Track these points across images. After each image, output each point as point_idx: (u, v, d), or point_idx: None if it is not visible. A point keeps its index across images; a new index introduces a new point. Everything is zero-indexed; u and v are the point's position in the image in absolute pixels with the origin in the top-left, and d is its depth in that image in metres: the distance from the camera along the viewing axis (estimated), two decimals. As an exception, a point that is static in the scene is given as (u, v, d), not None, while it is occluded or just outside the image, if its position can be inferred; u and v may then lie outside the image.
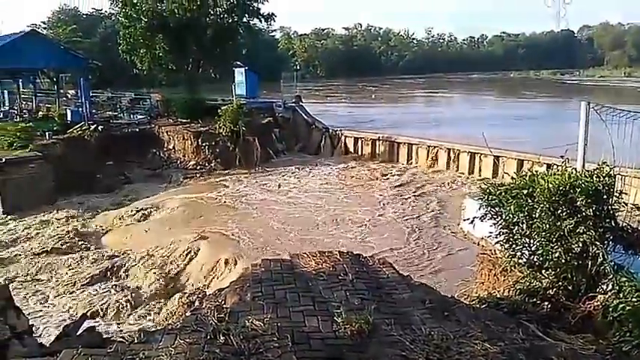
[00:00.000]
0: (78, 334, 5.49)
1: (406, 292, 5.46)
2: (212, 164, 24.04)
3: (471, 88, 71.67)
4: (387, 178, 21.08)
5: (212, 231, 14.88)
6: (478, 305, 6.23)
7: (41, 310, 11.11)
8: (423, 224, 15.21)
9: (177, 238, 14.26)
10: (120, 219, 17.13)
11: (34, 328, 5.71)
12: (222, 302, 5.18)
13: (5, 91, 37.34)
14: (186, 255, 13.08)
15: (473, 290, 7.94)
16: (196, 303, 6.82)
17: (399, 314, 4.73)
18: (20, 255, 14.32)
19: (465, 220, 9.95)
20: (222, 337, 4.10)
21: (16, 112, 31.76)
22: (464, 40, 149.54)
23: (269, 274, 5.72)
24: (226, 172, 23.18)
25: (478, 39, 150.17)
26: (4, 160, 18.79)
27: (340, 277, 5.61)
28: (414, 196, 18.35)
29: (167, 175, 22.90)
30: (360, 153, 25.34)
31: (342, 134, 26.34)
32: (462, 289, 8.62)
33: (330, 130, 26.95)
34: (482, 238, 8.29)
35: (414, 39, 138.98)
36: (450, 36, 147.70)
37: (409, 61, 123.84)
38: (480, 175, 20.22)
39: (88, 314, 9.75)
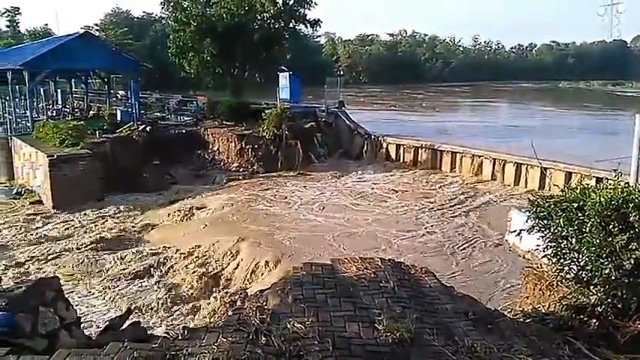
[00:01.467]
0: (123, 327, 5.66)
1: (449, 302, 5.38)
2: (254, 167, 24.35)
3: (518, 98, 70.16)
4: (430, 186, 20.84)
5: (253, 232, 15.04)
6: (522, 319, 6.07)
7: (87, 303, 11.46)
8: (466, 234, 14.94)
9: (218, 238, 14.48)
10: (164, 217, 17.59)
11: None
12: (264, 303, 5.21)
13: (59, 90, 38.89)
14: (228, 255, 13.26)
15: (517, 304, 7.74)
16: (238, 303, 6.90)
17: (441, 325, 4.65)
18: (69, 249, 14.86)
19: (510, 232, 9.71)
20: (263, 338, 4.13)
21: (68, 110, 33.05)
22: (512, 48, 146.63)
23: (310, 278, 5.73)
24: (268, 174, 23.41)
25: (526, 47, 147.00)
26: (55, 156, 19.53)
27: (381, 284, 5.57)
28: (457, 205, 18.04)
29: (211, 175, 23.35)
30: (401, 160, 25.10)
31: (384, 140, 26.18)
32: (505, 302, 8.42)
33: (372, 136, 26.83)
34: (528, 252, 8.09)
35: (460, 46, 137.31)
36: (497, 44, 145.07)
37: (454, 68, 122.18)
38: (526, 187, 19.72)
39: (132, 309, 9.97)
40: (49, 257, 14.22)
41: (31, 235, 16.23)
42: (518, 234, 6.72)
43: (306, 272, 5.92)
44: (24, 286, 5.17)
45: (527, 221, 6.54)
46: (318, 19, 32.56)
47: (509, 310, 7.24)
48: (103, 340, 5.00)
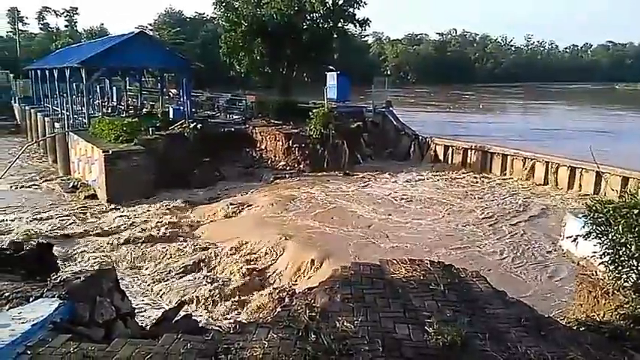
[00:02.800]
0: (176, 319, 5.82)
1: (500, 307, 5.27)
2: (301, 166, 24.52)
3: (574, 99, 67.85)
4: (479, 189, 20.45)
5: (298, 231, 15.17)
6: (577, 327, 5.88)
7: (138, 295, 11.82)
8: (518, 239, 14.58)
9: (265, 234, 14.66)
10: (213, 213, 17.94)
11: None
12: (312, 301, 5.26)
13: (114, 88, 40.26)
14: (274, 252, 13.42)
15: (570, 312, 7.50)
16: (286, 300, 6.96)
17: (492, 330, 4.56)
18: (122, 241, 15.37)
19: (565, 238, 9.41)
20: (313, 335, 4.17)
21: (123, 107, 34.16)
22: (565, 48, 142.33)
23: (359, 278, 5.74)
24: (314, 174, 23.52)
25: (581, 48, 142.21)
26: (110, 152, 20.23)
27: (431, 287, 5.52)
28: (507, 208, 17.62)
29: (258, 173, 23.64)
30: (450, 162, 24.71)
31: (432, 141, 25.86)
32: (559, 309, 8.17)
33: (420, 137, 26.55)
34: (584, 258, 7.81)
35: (511, 46, 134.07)
36: (550, 44, 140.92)
37: (505, 68, 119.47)
38: (580, 191, 19.08)
39: (184, 302, 10.21)
40: (103, 249, 14.78)
41: (87, 227, 16.89)
42: (574, 240, 6.53)
43: (355, 272, 5.94)
44: (82, 276, 5.37)
45: (583, 227, 6.35)
46: (367, 19, 32.49)
47: (562, 317, 7.02)
48: (157, 332, 5.15)
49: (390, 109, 29.25)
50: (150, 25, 78.84)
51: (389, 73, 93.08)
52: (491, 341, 4.28)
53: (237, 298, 11.35)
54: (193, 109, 29.77)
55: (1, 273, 6.52)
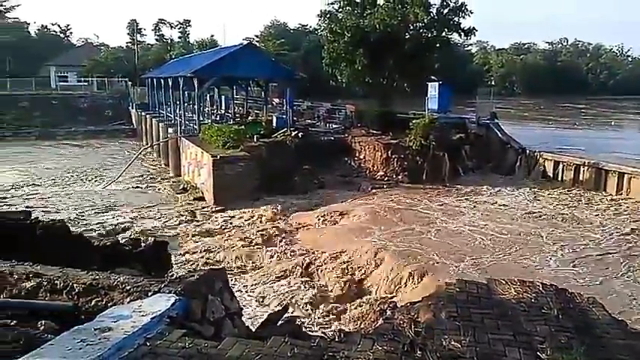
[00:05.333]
0: (280, 323, 5.96)
1: (621, 338, 4.86)
2: (399, 176, 24.27)
3: None
4: (593, 209, 19.03)
5: (397, 242, 14.99)
6: None
7: (240, 295, 12.28)
8: (637, 262, 13.43)
9: (363, 244, 14.65)
10: (312, 220, 18.22)
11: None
12: (416, 316, 5.17)
13: (222, 97, 42.36)
14: (372, 263, 13.34)
15: None
16: (388, 312, 6.91)
17: (612, 360, 4.23)
18: (226, 243, 16.09)
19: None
20: (418, 351, 4.09)
21: (230, 115, 35.84)
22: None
23: (464, 296, 5.56)
24: (413, 185, 23.17)
25: None
26: (218, 157, 21.30)
27: (543, 311, 5.22)
28: (626, 231, 16.24)
29: (356, 183, 23.71)
30: (559, 178, 23.18)
31: (540, 156, 24.43)
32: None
33: (527, 151, 25.24)
34: None
35: (628, 56, 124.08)
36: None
37: (621, 80, 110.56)
38: None
39: (288, 305, 10.42)
40: (210, 249, 15.54)
41: (194, 227, 17.88)
42: None
43: (460, 289, 5.75)
44: (196, 274, 5.66)
45: None
46: (473, 28, 31.54)
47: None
48: (263, 333, 5.30)
49: (495, 120, 28.16)
50: (256, 36, 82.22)
51: (493, 83, 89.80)
52: (613, 374, 3.97)
53: (334, 305, 11.44)
54: (295, 118, 30.57)
55: (121, 267, 7.08)
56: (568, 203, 19.88)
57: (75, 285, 5.23)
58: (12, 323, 4.41)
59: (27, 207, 18.07)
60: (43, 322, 4.49)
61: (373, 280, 12.61)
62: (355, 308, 11.16)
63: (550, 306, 5.29)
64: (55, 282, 5.30)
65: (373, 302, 11.20)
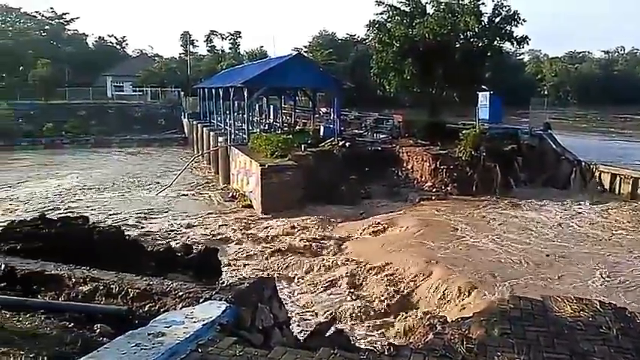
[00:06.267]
0: (328, 334, 5.93)
1: (687, 362, 4.59)
2: (448, 188, 23.83)
3: None
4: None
5: (445, 255, 14.71)
6: None
7: (286, 305, 12.28)
8: None
9: (410, 256, 14.45)
10: (358, 230, 18.12)
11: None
12: (467, 332, 5.04)
13: (271, 106, 42.95)
14: (419, 276, 13.10)
15: None
16: (438, 327, 6.76)
17: (678, 386, 3.99)
18: (273, 251, 16.19)
19: None
20: (471, 369, 3.98)
21: (278, 124, 36.25)
22: None
23: (518, 312, 5.38)
24: (462, 197, 22.70)
25: None
26: (267, 166, 21.54)
27: (602, 330, 4.99)
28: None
29: (404, 193, 23.42)
30: (617, 192, 22.19)
31: (596, 168, 23.51)
32: None
33: (583, 163, 24.34)
34: None
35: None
36: None
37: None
38: None
39: (336, 317, 10.40)
40: (256, 257, 15.70)
41: (242, 235, 18.10)
42: None
43: (514, 306, 5.57)
44: (246, 282, 5.71)
45: None
46: (526, 36, 30.84)
47: None
48: (312, 344, 5.28)
49: (549, 131, 27.32)
50: (305, 46, 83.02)
51: (546, 93, 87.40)
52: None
53: (381, 317, 11.31)
54: (342, 128, 30.59)
55: (173, 273, 7.22)
56: (625, 219, 18.97)
57: (130, 290, 5.37)
58: (70, 325, 4.55)
59: (84, 212, 18.75)
60: (99, 325, 4.62)
61: (421, 294, 12.37)
62: (402, 321, 10.98)
63: (609, 325, 5.08)
64: (111, 286, 5.46)
65: (422, 316, 10.97)
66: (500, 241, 16.33)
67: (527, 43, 31.34)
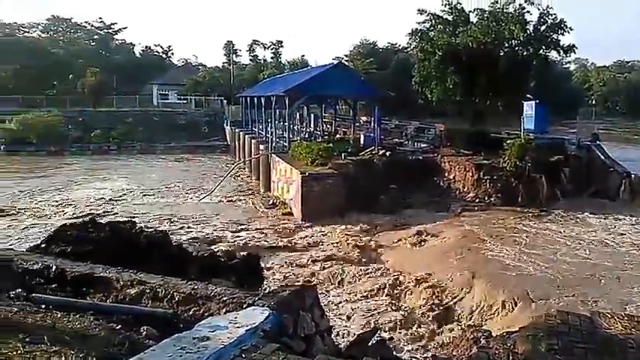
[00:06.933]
0: (370, 343, 5.88)
1: None
2: (492, 198, 23.32)
3: None
4: None
5: (488, 268, 14.35)
6: None
7: (326, 313, 12.26)
8: None
9: (452, 268, 14.19)
10: (399, 240, 17.92)
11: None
12: (513, 347, 4.92)
13: (311, 115, 43.20)
14: (461, 288, 12.85)
15: None
16: (482, 340, 6.61)
17: None
18: (313, 259, 16.20)
19: None
20: (518, 384, 3.87)
21: (319, 133, 36.41)
22: None
23: (566, 328, 5.23)
24: (506, 208, 22.12)
25: None
26: (307, 173, 21.64)
27: (655, 350, 4.80)
28: None
29: (445, 204, 23.01)
30: (669, 204, 21.38)
31: (647, 181, 22.67)
32: None
33: (633, 175, 23.46)
34: None
35: None
36: None
37: None
38: None
39: (375, 327, 10.30)
40: (298, 264, 15.73)
41: (282, 242, 18.20)
42: None
43: (562, 321, 5.42)
44: (288, 290, 5.73)
45: None
46: (573, 45, 30.13)
47: None
48: (354, 353, 5.25)
49: (597, 142, 26.45)
50: (346, 55, 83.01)
51: (594, 103, 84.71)
52: None
53: (422, 329, 11.13)
54: (382, 137, 30.45)
55: (217, 278, 7.32)
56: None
57: (175, 294, 5.48)
58: (117, 327, 4.66)
59: (131, 216, 19.26)
60: (145, 327, 4.71)
61: (463, 307, 12.11)
62: (444, 334, 10.78)
63: (663, 345, 4.86)
64: (157, 290, 5.57)
65: (465, 329, 10.73)
66: (546, 254, 15.80)
67: (574, 52, 30.73)
